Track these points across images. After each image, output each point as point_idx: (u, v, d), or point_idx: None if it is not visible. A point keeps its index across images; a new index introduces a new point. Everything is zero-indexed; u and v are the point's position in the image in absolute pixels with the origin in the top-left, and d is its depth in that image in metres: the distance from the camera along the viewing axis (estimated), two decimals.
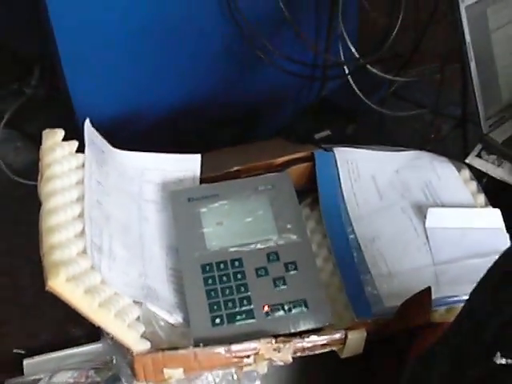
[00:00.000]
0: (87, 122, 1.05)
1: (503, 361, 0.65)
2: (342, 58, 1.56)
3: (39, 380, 1.25)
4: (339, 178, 1.17)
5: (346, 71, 1.55)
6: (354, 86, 1.56)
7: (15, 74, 1.69)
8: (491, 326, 0.65)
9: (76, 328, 1.54)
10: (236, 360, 0.95)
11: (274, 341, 0.94)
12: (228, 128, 1.58)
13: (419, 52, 1.58)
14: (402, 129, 1.69)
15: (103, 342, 1.47)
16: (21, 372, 1.21)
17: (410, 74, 1.67)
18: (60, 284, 0.82)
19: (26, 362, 1.22)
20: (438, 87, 1.51)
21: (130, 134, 1.33)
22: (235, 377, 1.02)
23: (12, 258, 1.43)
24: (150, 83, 1.37)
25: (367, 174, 1.20)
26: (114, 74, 1.32)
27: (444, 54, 1.42)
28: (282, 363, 0.97)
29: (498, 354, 0.65)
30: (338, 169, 1.18)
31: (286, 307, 0.97)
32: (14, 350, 1.27)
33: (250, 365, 0.97)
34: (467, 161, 1.31)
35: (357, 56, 1.53)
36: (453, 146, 1.53)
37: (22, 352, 1.27)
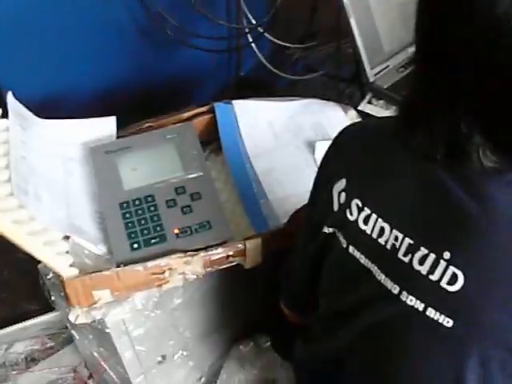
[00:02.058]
0: (9, 94, 1.21)
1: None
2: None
3: None
4: (238, 126, 1.34)
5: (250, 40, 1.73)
6: (262, 58, 1.74)
7: None
8: None
9: (31, 304, 1.71)
10: (154, 277, 1.11)
11: (183, 255, 1.11)
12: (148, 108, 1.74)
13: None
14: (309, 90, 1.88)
15: (56, 312, 1.64)
16: None
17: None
18: None
19: None
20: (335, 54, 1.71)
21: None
22: (159, 298, 1.18)
23: None
24: (68, 66, 1.53)
25: (264, 121, 1.38)
26: (36, 60, 1.48)
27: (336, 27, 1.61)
28: (194, 276, 1.14)
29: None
30: (236, 118, 1.35)
31: (193, 228, 1.14)
32: None
33: (167, 282, 1.13)
34: (360, 107, 1.50)
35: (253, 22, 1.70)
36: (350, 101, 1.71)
37: None
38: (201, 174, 1.22)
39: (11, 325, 1.66)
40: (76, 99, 1.58)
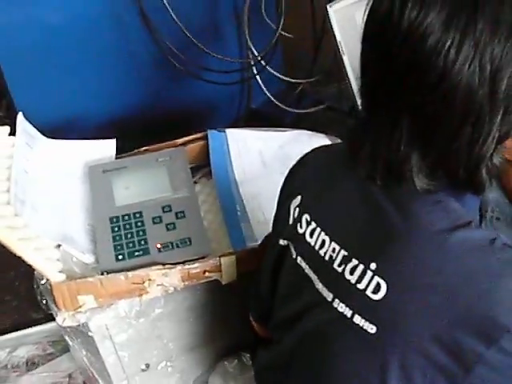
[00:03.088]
0: (20, 114, 1.34)
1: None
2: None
3: None
4: (229, 153, 1.44)
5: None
6: (267, 92, 1.85)
7: None
8: None
9: (37, 313, 1.82)
10: (135, 287, 1.21)
11: (161, 267, 1.20)
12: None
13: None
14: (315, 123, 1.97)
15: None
16: None
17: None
18: None
19: None
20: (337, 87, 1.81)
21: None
22: (141, 308, 1.28)
23: None
24: (83, 92, 1.67)
25: (255, 149, 1.48)
26: (51, 86, 1.62)
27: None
28: (172, 288, 1.22)
29: None
30: (228, 145, 1.45)
31: (175, 244, 1.24)
32: None
33: (147, 292, 1.22)
34: None
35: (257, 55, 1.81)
36: None
37: None
38: (187, 194, 1.32)
39: (17, 330, 1.78)
40: (88, 122, 1.71)
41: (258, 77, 1.85)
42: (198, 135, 1.47)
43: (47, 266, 1.18)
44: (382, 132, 0.76)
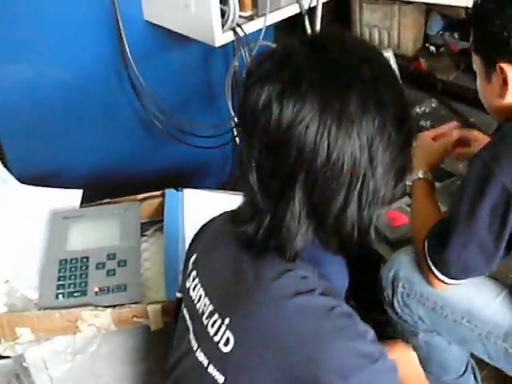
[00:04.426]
0: None
1: None
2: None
3: None
4: (183, 211, 1.56)
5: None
6: None
7: None
8: None
9: None
10: (68, 324, 1.32)
11: (93, 308, 1.31)
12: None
13: None
14: None
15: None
16: None
17: None
18: None
19: None
20: None
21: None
22: (77, 345, 1.38)
23: None
24: (68, 144, 1.83)
25: (211, 209, 1.58)
26: (41, 135, 1.79)
27: None
28: (104, 329, 1.33)
29: None
30: (183, 204, 1.57)
31: (111, 288, 1.35)
32: None
33: (80, 331, 1.33)
34: None
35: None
36: None
37: None
38: (133, 245, 1.44)
39: None
40: (72, 175, 1.86)
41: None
42: (158, 193, 1.60)
43: None
44: (273, 205, 0.83)
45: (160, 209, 1.59)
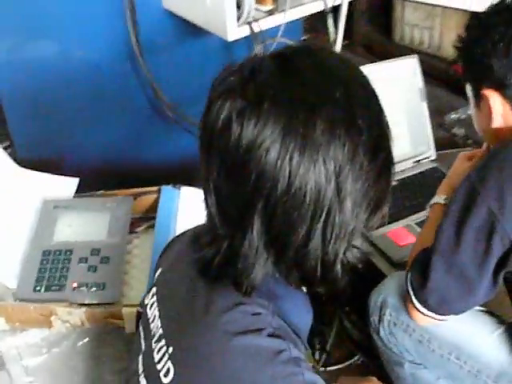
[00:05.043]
0: None
1: None
2: None
3: None
4: (177, 209, 1.52)
5: None
6: None
7: None
8: None
9: None
10: (42, 318, 1.30)
11: (68, 305, 1.28)
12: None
13: None
14: None
15: None
16: None
17: None
18: None
19: None
20: None
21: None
22: (51, 339, 1.36)
23: None
24: (76, 131, 1.80)
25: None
26: (48, 121, 1.77)
27: None
28: (78, 328, 1.30)
29: None
30: (178, 202, 1.53)
31: (89, 286, 1.32)
32: None
33: (53, 326, 1.31)
34: None
35: None
36: None
37: None
38: (118, 242, 1.40)
39: None
40: (79, 161, 1.83)
41: None
42: (154, 188, 1.55)
43: None
44: (232, 232, 0.76)
45: (154, 205, 1.55)
